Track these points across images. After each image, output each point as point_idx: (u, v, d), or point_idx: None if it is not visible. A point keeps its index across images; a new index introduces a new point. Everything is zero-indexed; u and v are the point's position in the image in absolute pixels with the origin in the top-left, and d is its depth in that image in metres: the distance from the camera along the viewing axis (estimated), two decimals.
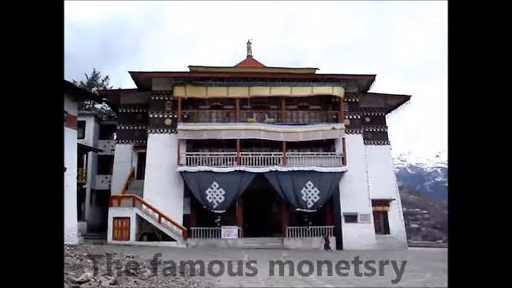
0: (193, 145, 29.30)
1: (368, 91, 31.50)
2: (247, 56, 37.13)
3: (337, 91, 29.50)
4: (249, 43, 37.97)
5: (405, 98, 33.57)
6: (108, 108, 41.18)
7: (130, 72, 28.73)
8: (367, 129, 32.51)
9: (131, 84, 30.81)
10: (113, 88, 45.32)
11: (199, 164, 27.87)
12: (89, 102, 43.87)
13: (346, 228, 28.05)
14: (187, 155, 28.34)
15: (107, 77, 50.89)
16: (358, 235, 27.62)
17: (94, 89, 44.28)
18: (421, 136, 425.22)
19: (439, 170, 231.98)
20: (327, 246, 26.70)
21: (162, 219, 26.52)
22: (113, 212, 26.45)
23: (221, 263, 14.25)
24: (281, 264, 15.82)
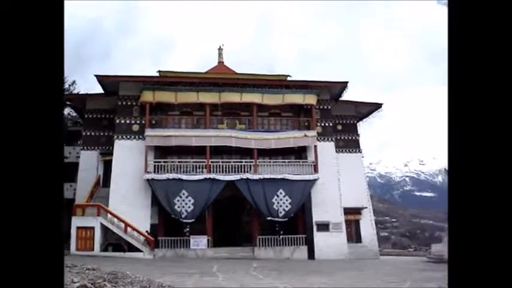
0: (162, 152, 28.33)
1: (340, 98, 31.25)
2: (219, 62, 36.55)
3: (309, 99, 29.15)
4: (220, 49, 37.40)
5: (376, 106, 33.59)
6: (75, 114, 39.78)
7: (96, 75, 27.68)
8: (339, 137, 32.26)
9: (100, 91, 29.75)
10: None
11: (167, 172, 26.96)
12: None
13: (318, 237, 27.56)
14: (155, 162, 27.41)
15: (73, 82, 49.21)
16: (330, 244, 27.21)
17: None
18: (390, 146, 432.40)
19: (407, 179, 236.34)
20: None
21: (129, 229, 25.47)
22: (76, 222, 25.20)
23: (187, 275, 13.54)
24: (251, 275, 15.22)
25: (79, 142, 34.91)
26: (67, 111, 42.42)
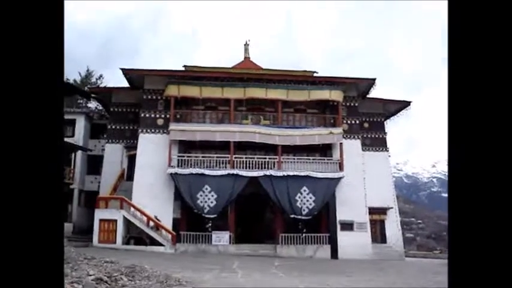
0: (186, 146, 28.25)
1: (367, 96, 30.60)
2: (245, 58, 36.30)
3: (335, 95, 28.60)
4: (246, 45, 37.12)
5: (405, 104, 32.77)
6: (101, 108, 40.16)
7: (122, 69, 27.72)
8: (365, 135, 31.62)
9: (127, 85, 29.88)
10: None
11: (191, 166, 26.86)
12: (81, 101, 42.87)
13: (342, 236, 27.05)
14: (178, 156, 27.34)
15: (100, 76, 50.01)
16: (354, 244, 26.64)
17: (87, 88, 43.25)
18: (418, 146, 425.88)
19: (434, 180, 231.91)
20: None
21: (151, 222, 25.50)
22: (99, 214, 25.39)
23: (207, 271, 13.33)
24: (272, 273, 14.91)
25: (104, 135, 35.22)
26: (94, 104, 42.94)
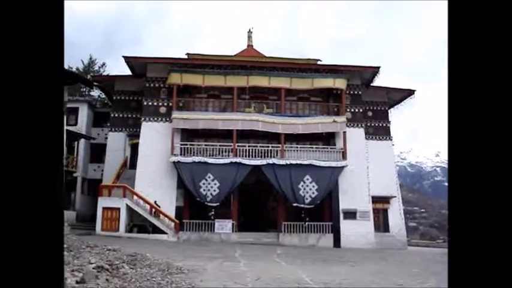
0: (188, 135, 28.17)
1: (371, 84, 30.35)
2: (248, 46, 36.01)
3: (339, 83, 28.38)
4: (249, 32, 36.82)
5: (409, 93, 32.54)
6: (104, 96, 40.11)
7: (124, 57, 27.57)
8: (369, 124, 31.44)
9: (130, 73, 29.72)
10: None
11: (193, 155, 26.80)
12: (84, 89, 42.76)
13: (345, 225, 27.03)
14: (181, 144, 27.26)
15: (103, 64, 49.76)
16: (356, 233, 26.65)
17: (89, 76, 43.12)
18: (421, 135, 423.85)
19: (438, 169, 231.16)
20: None
21: (154, 210, 25.52)
22: (102, 202, 25.42)
23: (209, 259, 13.33)
24: (274, 262, 14.91)
25: (107, 123, 35.21)
26: (96, 92, 42.88)
